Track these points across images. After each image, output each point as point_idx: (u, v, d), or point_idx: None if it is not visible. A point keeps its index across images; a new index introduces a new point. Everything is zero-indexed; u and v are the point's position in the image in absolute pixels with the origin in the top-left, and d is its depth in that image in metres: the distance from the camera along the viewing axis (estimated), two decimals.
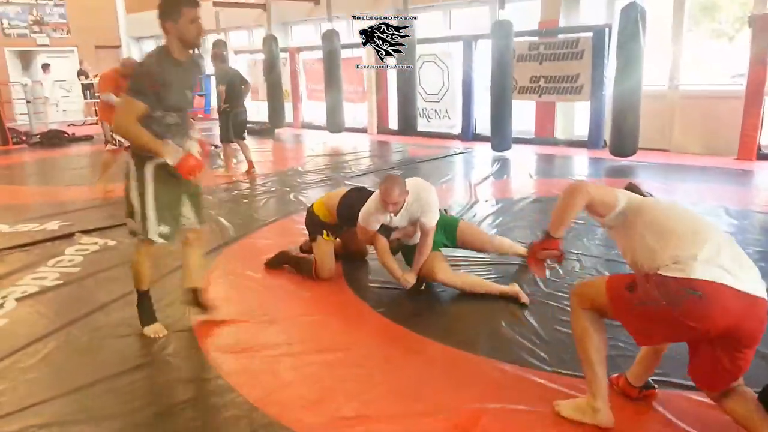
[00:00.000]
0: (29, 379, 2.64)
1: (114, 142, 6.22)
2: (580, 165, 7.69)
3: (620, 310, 1.98)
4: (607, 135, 7.89)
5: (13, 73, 16.36)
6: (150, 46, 16.42)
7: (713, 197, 5.52)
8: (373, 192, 3.49)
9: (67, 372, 2.68)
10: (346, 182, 6.70)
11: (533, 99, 9.07)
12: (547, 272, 3.27)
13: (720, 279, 1.80)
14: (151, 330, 3.00)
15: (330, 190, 6.32)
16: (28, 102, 12.66)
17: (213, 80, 9.61)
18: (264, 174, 7.57)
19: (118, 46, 18.00)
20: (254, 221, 5.25)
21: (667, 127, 8.26)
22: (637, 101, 7.21)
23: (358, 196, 3.63)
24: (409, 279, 3.44)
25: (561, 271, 3.67)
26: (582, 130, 8.87)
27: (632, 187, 2.23)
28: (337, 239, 3.89)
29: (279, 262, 3.95)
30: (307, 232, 3.91)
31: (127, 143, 3.19)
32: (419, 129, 10.01)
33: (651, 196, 2.19)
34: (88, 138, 11.87)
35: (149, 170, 2.73)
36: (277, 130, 12.19)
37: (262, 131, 12.15)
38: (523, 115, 9.26)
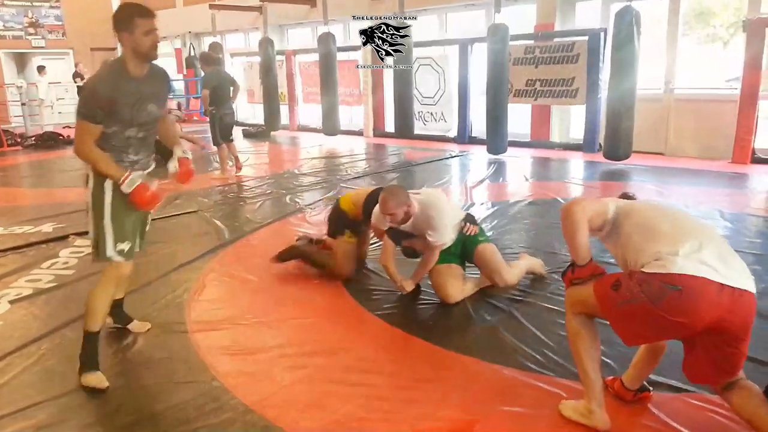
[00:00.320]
0: (22, 381, 2.63)
1: None
2: (576, 168, 7.70)
3: (607, 309, 1.99)
4: (602, 138, 7.92)
5: (9, 75, 16.32)
6: None
7: (708, 200, 5.54)
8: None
9: (60, 374, 2.66)
10: (342, 185, 6.71)
11: (529, 102, 9.10)
12: None
13: (700, 273, 1.80)
14: (92, 380, 2.54)
15: (326, 193, 6.39)
16: (23, 104, 12.63)
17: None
18: (260, 176, 7.57)
19: (114, 49, 17.94)
20: (250, 223, 5.24)
21: (662, 131, 8.30)
22: (632, 105, 7.23)
23: None
24: (407, 286, 3.44)
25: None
26: (577, 134, 8.90)
27: (626, 197, 2.24)
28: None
29: (290, 257, 3.96)
30: (327, 226, 3.94)
31: None
32: (415, 132, 10.04)
33: None
34: None
35: (109, 184, 2.55)
36: (273, 133, 12.18)
37: (258, 134, 12.11)
38: (519, 118, 9.27)
